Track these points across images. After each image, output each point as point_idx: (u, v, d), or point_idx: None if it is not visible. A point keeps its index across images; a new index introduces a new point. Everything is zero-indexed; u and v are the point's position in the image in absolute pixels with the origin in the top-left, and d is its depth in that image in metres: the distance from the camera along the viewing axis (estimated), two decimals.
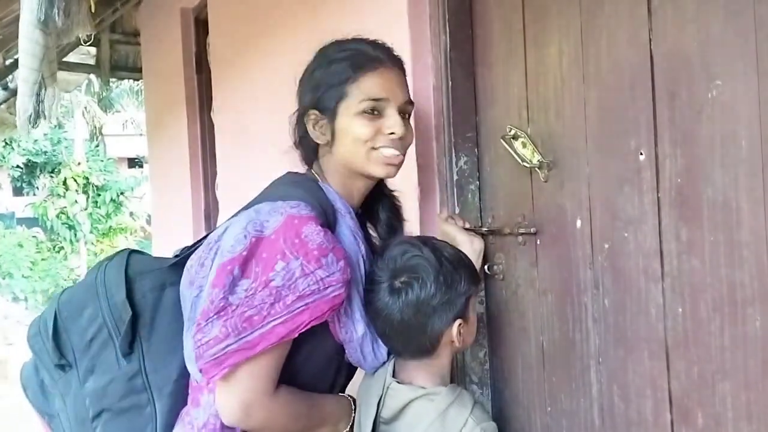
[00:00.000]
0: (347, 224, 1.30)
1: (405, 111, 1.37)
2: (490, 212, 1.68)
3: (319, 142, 1.36)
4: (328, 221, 1.25)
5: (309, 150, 1.40)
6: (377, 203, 1.47)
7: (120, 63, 5.81)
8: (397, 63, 1.39)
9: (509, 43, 1.58)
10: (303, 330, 1.15)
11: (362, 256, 1.30)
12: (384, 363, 1.36)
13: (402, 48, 1.85)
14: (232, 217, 1.30)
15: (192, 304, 1.23)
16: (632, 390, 1.29)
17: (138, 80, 6.13)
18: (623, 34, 1.27)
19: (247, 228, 1.18)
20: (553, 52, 1.45)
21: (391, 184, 1.53)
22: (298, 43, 2.57)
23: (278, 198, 1.25)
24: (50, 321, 1.31)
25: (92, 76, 6.30)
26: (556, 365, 1.49)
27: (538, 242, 1.52)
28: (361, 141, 1.31)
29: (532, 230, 1.52)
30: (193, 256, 1.31)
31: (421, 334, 1.30)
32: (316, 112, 1.34)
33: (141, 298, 1.30)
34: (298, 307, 1.14)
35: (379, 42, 1.39)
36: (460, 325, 1.32)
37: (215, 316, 1.13)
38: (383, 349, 1.33)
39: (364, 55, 1.35)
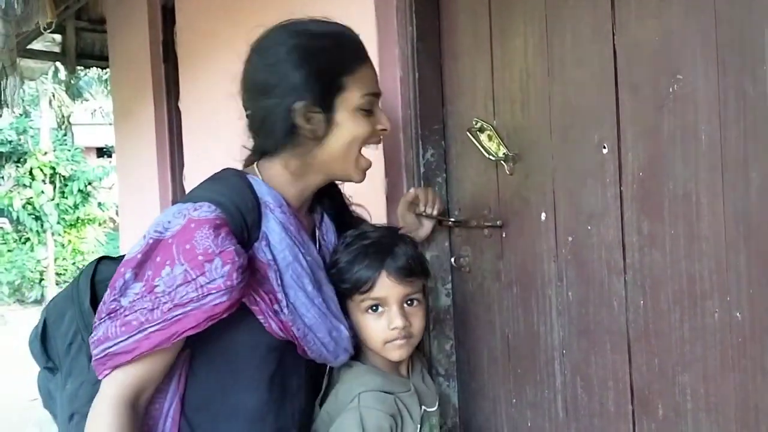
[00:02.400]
0: (276, 218, 1.23)
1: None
2: (456, 205, 1.68)
3: (309, 137, 1.24)
4: (245, 219, 1.18)
5: (283, 145, 1.26)
6: (323, 196, 1.41)
7: (86, 51, 5.70)
8: None
9: (475, 34, 1.58)
10: (178, 339, 1.12)
11: (300, 250, 1.24)
12: (353, 348, 1.34)
13: (369, 39, 1.84)
14: None
15: None
16: (595, 382, 1.30)
17: (105, 69, 6.03)
18: (587, 27, 1.27)
19: (150, 230, 1.15)
20: (519, 45, 1.45)
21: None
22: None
23: (191, 198, 1.20)
24: (40, 325, 1.34)
25: (58, 64, 6.18)
26: (520, 357, 1.50)
27: (504, 235, 1.52)
28: (360, 140, 1.26)
29: (498, 223, 1.52)
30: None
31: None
32: (309, 104, 1.22)
33: None
34: (174, 316, 1.10)
35: (346, 26, 1.32)
36: None
37: (106, 317, 1.13)
38: (344, 333, 1.29)
39: (355, 45, 1.29)
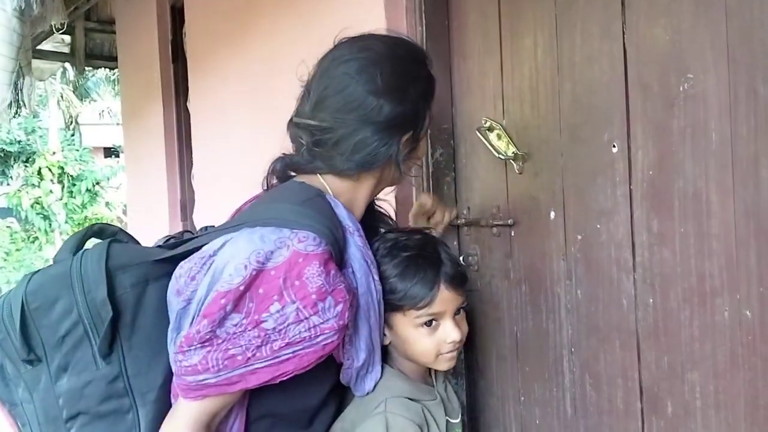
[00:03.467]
0: (356, 244, 1.20)
1: None
2: (465, 204, 1.69)
3: (400, 165, 1.24)
4: (339, 247, 1.15)
5: (364, 167, 1.24)
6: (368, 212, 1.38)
7: (95, 51, 5.74)
8: None
9: (485, 34, 1.58)
10: (285, 378, 1.10)
11: (374, 279, 1.21)
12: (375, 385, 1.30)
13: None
14: (231, 225, 1.20)
15: (177, 315, 1.15)
16: (604, 379, 1.31)
17: (113, 69, 6.06)
18: (597, 26, 1.27)
19: (250, 258, 1.07)
20: (528, 44, 1.45)
21: None
22: (274, 31, 2.56)
23: (287, 222, 1.13)
24: (16, 311, 1.16)
25: (67, 65, 6.21)
26: (529, 355, 1.50)
27: (513, 234, 1.53)
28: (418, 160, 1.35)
29: (507, 221, 1.52)
30: (183, 263, 1.18)
31: None
32: (414, 130, 1.25)
33: (122, 294, 1.17)
34: (285, 354, 1.07)
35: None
36: None
37: (199, 345, 1.07)
38: (376, 374, 1.28)
39: (433, 78, 1.33)
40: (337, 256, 1.13)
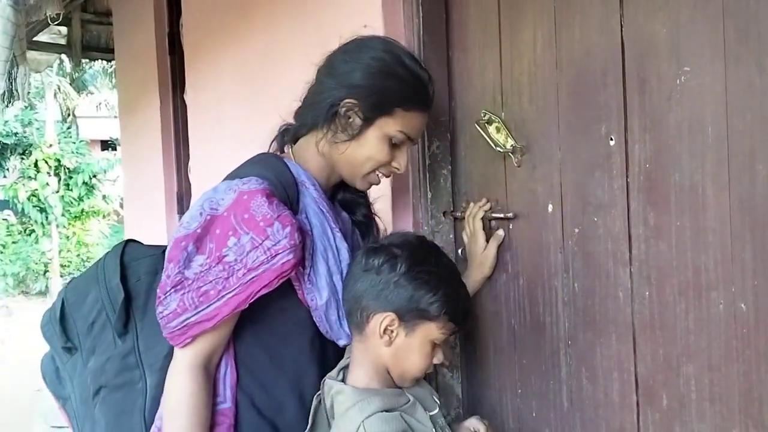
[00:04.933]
0: (311, 195, 1.33)
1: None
2: (463, 197, 1.69)
3: (340, 130, 1.33)
4: (287, 192, 1.28)
5: (316, 126, 1.35)
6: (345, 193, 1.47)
7: (92, 43, 5.70)
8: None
9: (484, 27, 1.58)
10: (253, 299, 1.20)
11: (330, 226, 1.32)
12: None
13: (375, 30, 1.85)
14: None
15: None
16: (600, 372, 1.32)
17: (110, 61, 6.04)
18: (595, 20, 1.28)
19: (203, 206, 1.24)
20: (527, 38, 1.45)
21: None
22: (271, 23, 2.56)
23: (236, 175, 1.30)
24: (58, 307, 1.41)
25: (63, 57, 6.18)
26: (526, 348, 1.51)
27: (511, 226, 1.53)
28: (374, 162, 1.35)
29: (505, 215, 1.53)
30: None
31: (358, 301, 1.25)
32: (358, 106, 1.31)
33: (136, 282, 1.38)
34: (249, 279, 1.19)
35: (433, 80, 1.39)
36: (390, 320, 1.22)
37: (172, 290, 1.20)
38: None
39: (425, 92, 1.36)
40: (283, 198, 1.26)
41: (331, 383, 1.28)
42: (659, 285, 1.18)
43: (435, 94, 1.40)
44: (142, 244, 1.48)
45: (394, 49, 1.35)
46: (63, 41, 5.59)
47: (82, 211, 12.91)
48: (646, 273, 1.21)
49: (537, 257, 1.46)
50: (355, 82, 1.31)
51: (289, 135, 1.42)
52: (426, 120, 1.40)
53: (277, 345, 1.32)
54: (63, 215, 12.49)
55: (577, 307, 1.36)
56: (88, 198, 12.99)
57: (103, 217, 13.44)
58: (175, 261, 1.21)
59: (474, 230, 1.57)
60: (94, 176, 13.08)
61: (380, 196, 1.59)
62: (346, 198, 1.46)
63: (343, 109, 1.31)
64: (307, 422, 1.29)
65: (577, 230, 1.35)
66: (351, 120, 1.32)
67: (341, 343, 1.34)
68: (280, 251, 1.19)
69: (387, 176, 1.40)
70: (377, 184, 1.42)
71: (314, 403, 1.32)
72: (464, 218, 1.61)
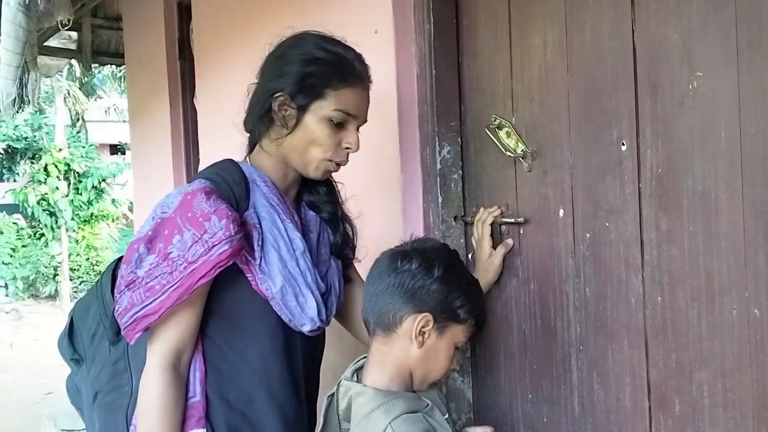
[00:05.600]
0: (261, 191, 1.38)
1: (360, 126, 1.43)
2: (474, 201, 1.69)
3: (280, 125, 1.38)
4: (232, 190, 1.34)
5: (260, 129, 1.42)
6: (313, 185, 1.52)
7: (102, 48, 5.75)
8: (370, 83, 1.44)
9: (495, 32, 1.59)
10: (194, 289, 1.25)
11: (280, 218, 1.38)
12: (321, 320, 1.37)
13: (386, 36, 1.86)
14: None
15: None
16: (612, 377, 1.31)
17: (120, 66, 6.08)
18: (607, 24, 1.28)
19: (156, 211, 1.32)
20: (538, 42, 1.45)
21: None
22: (281, 29, 2.56)
23: (189, 182, 1.37)
24: (68, 323, 1.51)
25: (74, 61, 6.22)
26: (537, 353, 1.51)
27: (521, 231, 1.53)
28: (321, 147, 1.38)
29: (516, 220, 1.53)
30: None
31: (389, 303, 1.26)
32: (288, 97, 1.36)
33: None
34: (190, 271, 1.25)
35: (364, 58, 1.43)
36: (426, 320, 1.24)
37: (125, 289, 1.27)
38: (311, 302, 1.36)
39: (351, 68, 1.39)
40: (227, 194, 1.32)
41: (349, 384, 1.29)
42: (671, 290, 1.18)
43: (368, 67, 1.42)
44: None
45: (312, 38, 1.40)
46: (73, 46, 5.63)
47: (92, 215, 12.97)
48: (658, 278, 1.20)
49: (548, 262, 1.45)
50: (280, 76, 1.37)
51: (249, 145, 1.48)
52: (365, 95, 1.41)
53: (239, 338, 1.36)
54: (72, 219, 12.55)
55: (589, 312, 1.35)
56: (98, 202, 13.05)
57: (113, 220, 13.51)
58: (128, 262, 1.28)
59: (481, 235, 1.58)
60: (104, 180, 13.15)
61: (353, 196, 1.59)
62: (312, 199, 1.51)
63: (276, 105, 1.36)
64: (278, 412, 1.35)
65: (588, 235, 1.34)
66: (287, 113, 1.37)
67: (305, 329, 1.37)
68: (216, 243, 1.24)
69: (344, 162, 1.42)
70: (334, 171, 1.44)
71: (325, 403, 1.34)
72: (473, 223, 1.61)
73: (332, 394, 1.33)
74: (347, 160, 1.43)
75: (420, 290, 1.25)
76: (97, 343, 1.45)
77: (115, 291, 1.30)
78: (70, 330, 1.50)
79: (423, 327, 1.25)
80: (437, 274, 1.25)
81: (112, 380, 1.39)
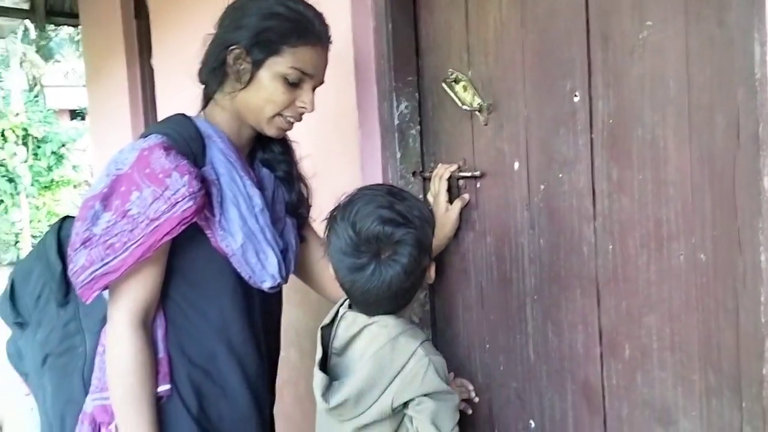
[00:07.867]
0: (218, 147, 1.36)
1: (316, 87, 1.42)
2: (431, 156, 1.70)
3: (234, 79, 1.37)
4: (189, 145, 1.32)
5: (214, 82, 1.41)
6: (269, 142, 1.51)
7: (56, 8, 5.59)
8: (329, 44, 1.43)
9: None
10: (158, 246, 1.24)
11: (239, 174, 1.36)
12: (281, 276, 1.39)
13: None
14: None
15: None
16: (565, 326, 1.34)
17: (76, 26, 5.91)
18: None
19: (110, 167, 1.28)
20: None
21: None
22: None
23: (141, 136, 1.34)
24: (8, 287, 1.48)
25: (27, 22, 6.04)
26: (494, 304, 1.53)
27: (478, 185, 1.54)
28: (274, 105, 1.37)
29: (472, 173, 1.54)
30: None
31: (404, 296, 1.29)
32: (244, 51, 1.34)
33: None
34: (152, 228, 1.23)
35: (324, 18, 1.41)
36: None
37: (81, 247, 1.25)
38: (272, 258, 1.37)
39: (311, 26, 1.37)
40: (185, 150, 1.30)
41: (363, 315, 1.30)
42: (622, 238, 1.20)
43: (328, 28, 1.41)
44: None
45: None
46: (26, 6, 5.46)
47: (52, 180, 12.72)
48: (609, 227, 1.23)
49: (504, 215, 1.47)
50: (237, 29, 1.35)
51: (203, 99, 1.46)
52: (323, 55, 1.41)
53: (197, 295, 1.36)
54: (32, 185, 12.29)
55: (543, 263, 1.38)
56: (58, 168, 12.79)
57: (74, 186, 13.26)
58: (83, 220, 1.25)
59: (438, 191, 1.59)
60: (63, 146, 12.87)
61: (308, 155, 1.59)
62: (267, 157, 1.50)
63: (231, 58, 1.35)
64: (239, 367, 1.39)
65: (542, 187, 1.36)
66: (242, 67, 1.35)
67: (266, 286, 1.38)
68: (179, 199, 1.23)
69: (297, 119, 1.42)
70: (288, 129, 1.44)
71: (320, 333, 1.35)
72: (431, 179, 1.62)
73: (327, 325, 1.35)
74: (301, 118, 1.42)
75: None
76: (43, 306, 1.43)
77: (69, 249, 1.28)
78: (12, 294, 1.47)
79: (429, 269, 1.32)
80: (416, 249, 1.25)
81: (63, 342, 1.39)
